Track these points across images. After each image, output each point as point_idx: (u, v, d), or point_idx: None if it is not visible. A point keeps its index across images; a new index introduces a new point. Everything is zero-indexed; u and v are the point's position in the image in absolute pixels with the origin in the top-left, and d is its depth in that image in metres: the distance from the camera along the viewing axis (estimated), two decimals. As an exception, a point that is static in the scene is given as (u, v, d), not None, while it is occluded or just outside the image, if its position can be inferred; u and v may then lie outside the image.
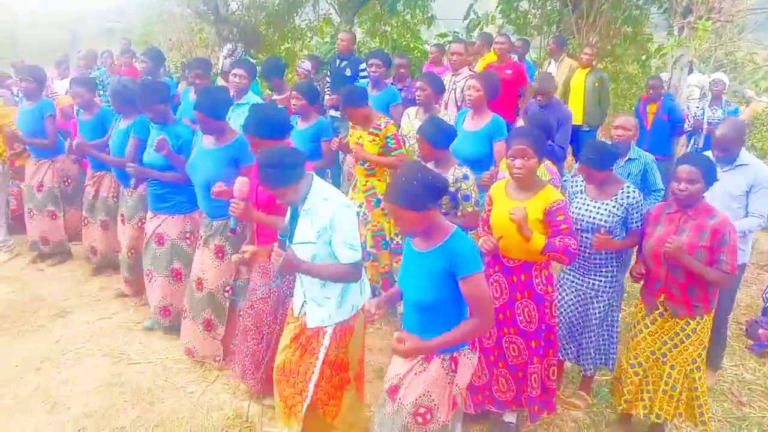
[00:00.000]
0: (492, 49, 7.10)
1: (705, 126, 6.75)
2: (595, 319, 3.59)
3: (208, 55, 11.26)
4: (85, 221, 5.45)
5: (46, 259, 5.91)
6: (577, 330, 3.68)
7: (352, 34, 7.41)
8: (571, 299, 3.64)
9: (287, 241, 2.93)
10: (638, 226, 3.43)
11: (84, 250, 5.68)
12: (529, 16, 10.34)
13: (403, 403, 2.62)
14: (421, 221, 2.44)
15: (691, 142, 6.98)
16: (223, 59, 6.32)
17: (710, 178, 3.11)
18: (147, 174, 4.31)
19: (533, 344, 3.25)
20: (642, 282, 3.46)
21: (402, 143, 4.52)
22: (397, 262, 4.56)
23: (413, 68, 8.08)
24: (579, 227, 3.47)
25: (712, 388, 4.06)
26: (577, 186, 3.65)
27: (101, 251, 5.44)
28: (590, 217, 3.45)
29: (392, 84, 6.12)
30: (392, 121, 4.55)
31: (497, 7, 10.22)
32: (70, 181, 5.75)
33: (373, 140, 4.42)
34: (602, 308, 3.57)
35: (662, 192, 4.33)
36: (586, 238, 3.47)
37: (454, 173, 3.57)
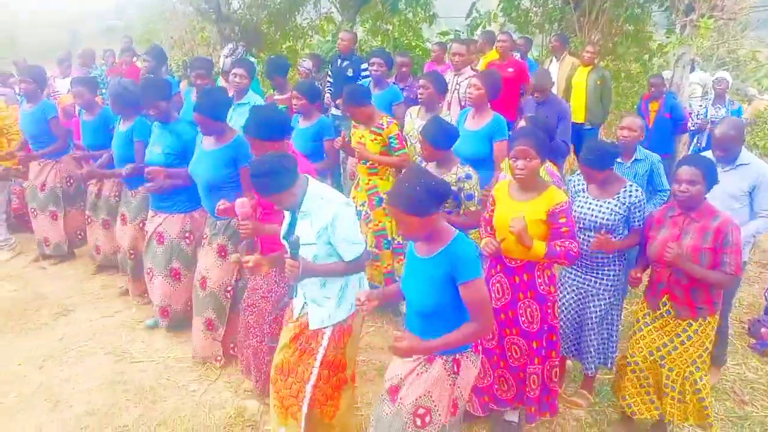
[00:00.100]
0: (494, 47, 7.10)
1: (708, 126, 6.73)
2: (596, 317, 3.58)
3: (209, 53, 11.26)
4: (89, 220, 5.46)
5: (49, 258, 5.92)
6: (578, 328, 3.67)
7: (353, 34, 7.39)
8: (573, 297, 3.64)
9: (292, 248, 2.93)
10: (639, 225, 3.42)
11: (89, 248, 5.69)
12: (530, 14, 10.32)
13: (403, 404, 2.61)
14: (424, 226, 2.43)
15: (694, 140, 6.97)
16: (224, 58, 6.32)
17: (711, 179, 3.10)
18: (169, 175, 4.24)
19: (534, 345, 3.24)
20: (644, 282, 3.45)
21: (405, 143, 4.51)
22: (398, 262, 4.56)
23: (415, 67, 8.07)
24: (581, 226, 3.47)
25: (715, 386, 4.06)
26: (579, 185, 3.64)
27: (104, 250, 5.45)
28: (592, 215, 3.44)
29: (394, 83, 6.12)
30: (395, 121, 4.54)
31: (499, 5, 10.21)
32: (72, 181, 5.76)
33: (375, 139, 4.42)
34: (603, 306, 3.57)
35: (668, 192, 4.32)
36: (588, 236, 3.47)
37: (456, 172, 3.56)
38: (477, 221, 3.55)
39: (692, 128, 6.91)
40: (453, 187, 3.55)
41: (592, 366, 3.69)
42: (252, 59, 8.09)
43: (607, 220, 3.41)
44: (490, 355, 3.34)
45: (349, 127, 5.04)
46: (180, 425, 3.66)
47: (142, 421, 3.68)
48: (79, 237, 5.90)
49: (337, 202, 2.86)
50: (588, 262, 3.54)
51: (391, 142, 4.41)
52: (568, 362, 4.09)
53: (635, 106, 8.01)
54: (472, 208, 3.59)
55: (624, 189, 3.43)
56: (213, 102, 3.75)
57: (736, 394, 4.10)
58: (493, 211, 3.31)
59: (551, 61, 7.81)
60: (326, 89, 6.88)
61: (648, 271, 3.45)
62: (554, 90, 7.17)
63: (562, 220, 3.05)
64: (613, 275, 3.54)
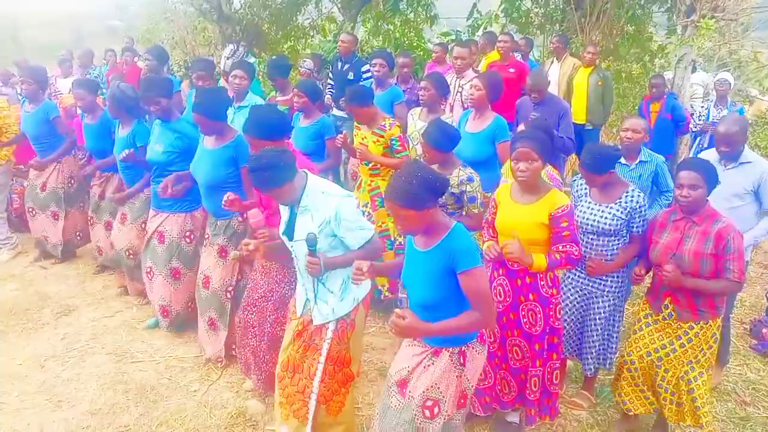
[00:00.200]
0: (495, 47, 7.10)
1: (710, 128, 6.72)
2: (599, 319, 3.58)
3: (210, 53, 11.27)
4: (91, 221, 5.47)
5: (50, 257, 5.92)
6: (580, 329, 3.67)
7: (353, 36, 7.39)
8: (575, 297, 3.64)
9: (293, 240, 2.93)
10: (639, 231, 3.42)
11: (91, 248, 5.71)
12: (531, 15, 10.33)
13: (412, 396, 2.63)
14: (421, 220, 2.43)
15: (696, 142, 6.96)
16: (225, 60, 6.34)
17: (712, 182, 3.10)
18: (181, 178, 4.23)
19: (537, 347, 3.24)
20: (645, 283, 3.45)
21: (407, 145, 4.51)
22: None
23: (416, 67, 8.08)
24: (584, 230, 3.48)
25: (717, 387, 4.05)
26: (581, 189, 3.64)
27: (106, 251, 5.45)
28: (594, 220, 3.44)
29: (396, 84, 6.12)
30: (397, 123, 4.54)
31: (500, 5, 10.21)
32: (73, 181, 5.76)
33: (377, 141, 4.42)
34: (607, 308, 3.57)
35: (671, 193, 4.31)
36: (591, 240, 3.47)
37: (458, 175, 3.56)
38: (479, 224, 3.56)
39: (694, 129, 6.90)
40: (455, 190, 3.55)
41: (591, 367, 3.69)
42: (253, 59, 8.10)
43: (609, 225, 3.40)
44: (491, 357, 3.34)
45: (351, 127, 5.05)
46: (181, 425, 3.66)
47: (143, 420, 3.69)
48: (79, 237, 5.90)
49: (338, 194, 2.88)
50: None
51: (393, 145, 4.41)
52: (569, 363, 4.09)
53: (636, 107, 8.02)
54: (475, 211, 3.59)
55: (626, 193, 3.42)
56: (211, 101, 3.76)
57: (737, 395, 4.09)
58: (495, 213, 3.31)
59: (552, 61, 7.81)
60: (327, 90, 6.89)
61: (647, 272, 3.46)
62: (555, 91, 7.19)
63: (564, 224, 3.04)
64: (617, 277, 3.54)
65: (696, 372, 3.26)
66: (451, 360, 2.60)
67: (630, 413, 3.54)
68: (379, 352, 4.39)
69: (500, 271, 3.26)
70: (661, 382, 3.32)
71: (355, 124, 4.72)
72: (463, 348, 2.61)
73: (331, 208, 2.81)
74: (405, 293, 2.89)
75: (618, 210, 3.40)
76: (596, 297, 3.57)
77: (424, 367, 2.64)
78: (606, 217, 3.42)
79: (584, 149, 3.47)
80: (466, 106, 5.68)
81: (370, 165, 4.55)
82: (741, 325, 4.94)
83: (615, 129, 9.55)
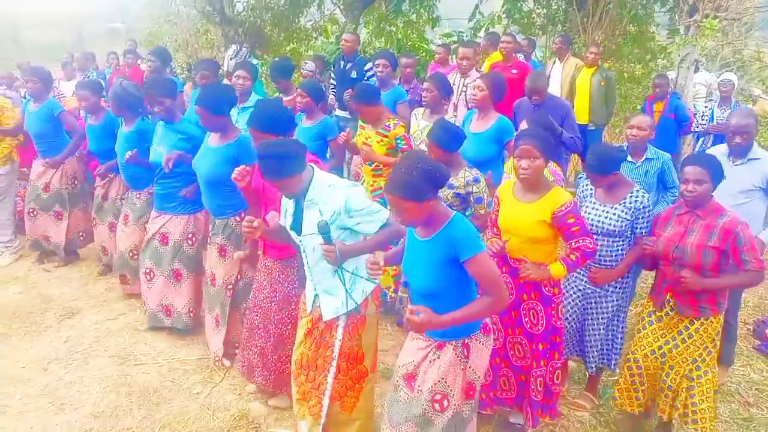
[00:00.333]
0: (498, 48, 7.10)
1: (713, 128, 6.68)
2: (603, 319, 3.58)
3: (213, 56, 11.28)
4: (95, 222, 5.48)
5: (52, 260, 5.93)
6: (583, 328, 3.67)
7: (356, 35, 7.41)
8: (578, 297, 3.62)
9: (325, 235, 2.92)
10: (643, 232, 3.41)
11: (96, 250, 5.72)
12: (533, 15, 10.33)
13: (421, 390, 2.64)
14: (422, 211, 2.44)
15: (699, 142, 6.93)
16: (228, 60, 6.34)
17: (717, 177, 3.10)
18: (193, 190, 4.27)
19: (540, 347, 3.24)
20: (648, 283, 3.44)
21: (412, 144, 4.51)
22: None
23: (419, 68, 8.08)
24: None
25: (720, 387, 4.03)
26: (587, 189, 3.63)
27: (111, 252, 5.46)
28: (599, 221, 3.43)
29: (398, 85, 6.13)
30: (401, 123, 4.54)
31: (502, 6, 10.21)
32: (77, 182, 5.78)
33: (381, 141, 4.42)
34: (610, 309, 3.56)
35: (677, 189, 4.30)
36: (596, 240, 3.46)
37: (464, 176, 3.56)
38: (485, 224, 3.56)
39: (697, 129, 6.87)
40: (461, 191, 3.55)
41: (593, 366, 3.69)
42: (255, 61, 8.11)
43: (614, 226, 3.40)
44: (492, 356, 3.34)
45: (354, 128, 5.05)
46: (184, 427, 3.66)
47: (146, 423, 3.69)
48: (81, 237, 5.91)
49: (345, 185, 2.88)
50: (596, 265, 3.52)
51: (399, 143, 4.42)
52: (572, 364, 4.08)
53: (639, 107, 8.00)
54: (482, 211, 3.58)
55: (631, 194, 3.42)
56: (213, 95, 3.77)
57: (741, 395, 4.08)
58: (498, 211, 3.31)
59: (555, 62, 7.80)
60: (330, 91, 6.90)
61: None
62: (558, 91, 7.19)
63: (571, 221, 3.04)
64: (622, 278, 3.53)
65: (701, 371, 3.25)
66: (455, 353, 2.60)
67: (616, 408, 3.54)
68: (382, 354, 4.37)
69: (504, 269, 3.26)
70: (665, 378, 3.32)
71: (360, 123, 4.72)
72: (467, 340, 2.62)
73: (339, 200, 2.80)
74: (406, 293, 2.88)
75: (623, 211, 3.40)
76: (599, 297, 3.56)
77: (430, 362, 2.64)
78: (611, 218, 3.41)
79: (589, 151, 3.47)
80: (470, 105, 5.68)
81: (373, 165, 4.55)
82: (744, 326, 4.92)
83: (618, 129, 9.55)
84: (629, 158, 4.13)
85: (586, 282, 3.58)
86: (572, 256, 3.08)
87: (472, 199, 3.58)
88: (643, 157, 4.19)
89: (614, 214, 3.41)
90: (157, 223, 4.44)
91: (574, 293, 3.64)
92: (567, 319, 3.64)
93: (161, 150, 4.28)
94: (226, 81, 6.55)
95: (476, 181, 3.57)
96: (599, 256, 3.46)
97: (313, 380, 3.08)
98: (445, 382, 2.61)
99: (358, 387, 3.09)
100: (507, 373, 3.38)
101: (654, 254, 3.30)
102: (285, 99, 5.80)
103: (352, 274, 2.97)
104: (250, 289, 4.02)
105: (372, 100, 4.41)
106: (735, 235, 3.02)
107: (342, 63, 6.82)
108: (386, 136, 4.41)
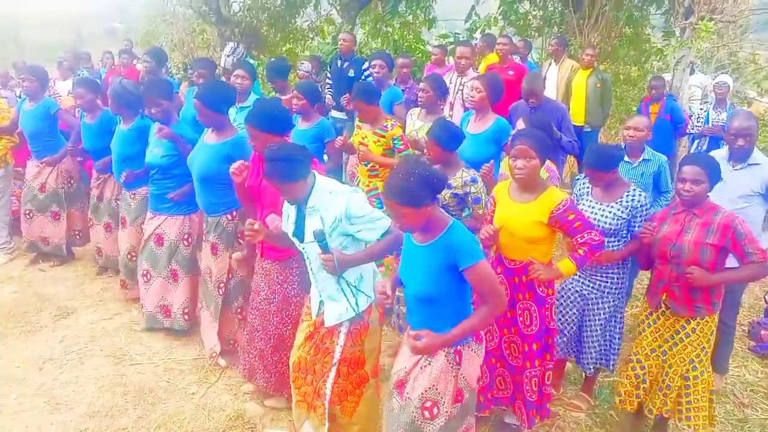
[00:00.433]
0: (494, 50, 7.11)
1: (708, 130, 6.71)
2: (600, 320, 3.58)
3: (209, 56, 11.27)
4: (91, 223, 5.47)
5: (47, 260, 5.91)
6: (580, 329, 3.68)
7: (353, 35, 7.42)
8: (576, 298, 3.64)
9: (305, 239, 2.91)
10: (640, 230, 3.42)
11: (91, 250, 5.70)
12: (529, 17, 10.34)
13: (410, 398, 2.63)
14: (420, 217, 2.44)
15: (695, 144, 6.96)
16: (225, 57, 6.32)
17: (714, 178, 3.12)
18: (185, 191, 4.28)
19: (535, 347, 3.25)
20: (644, 284, 3.46)
21: (409, 145, 4.51)
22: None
23: (415, 69, 8.09)
24: None
25: (718, 391, 4.05)
26: (584, 188, 3.65)
27: (106, 253, 5.45)
28: (596, 219, 3.44)
29: (395, 85, 6.14)
30: (399, 123, 4.55)
31: (498, 8, 10.22)
32: (73, 181, 5.77)
33: (378, 141, 4.42)
34: (607, 309, 3.57)
35: (670, 194, 4.32)
36: None
37: (462, 176, 3.57)
38: (484, 224, 3.56)
39: (692, 131, 6.90)
40: (458, 191, 3.56)
41: (591, 367, 3.70)
42: (251, 61, 8.10)
43: (610, 224, 3.41)
44: (488, 357, 3.34)
45: (350, 129, 5.06)
46: (180, 428, 3.65)
47: (141, 423, 3.68)
48: (78, 236, 5.90)
49: (345, 191, 2.88)
50: (591, 267, 3.54)
51: (396, 144, 4.42)
52: (568, 365, 4.09)
53: (635, 109, 8.02)
54: (480, 212, 3.59)
55: (627, 193, 3.43)
56: (213, 92, 3.79)
57: (735, 396, 4.10)
58: (494, 211, 3.32)
59: (550, 64, 7.82)
60: (326, 91, 6.90)
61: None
62: (554, 93, 7.19)
63: (571, 217, 3.05)
64: (617, 278, 3.54)
65: (698, 371, 3.27)
66: (447, 360, 2.60)
67: (619, 406, 3.55)
68: (380, 356, 4.38)
69: (498, 270, 3.27)
70: (664, 377, 3.33)
71: (356, 123, 4.72)
72: (459, 348, 2.61)
73: (340, 206, 2.79)
74: (401, 291, 2.87)
75: (619, 209, 3.41)
76: (596, 298, 3.57)
77: (421, 368, 2.64)
78: (607, 217, 3.43)
79: (588, 149, 3.49)
80: (468, 107, 5.69)
81: (369, 166, 4.55)
82: (739, 327, 4.92)
83: (613, 131, 9.57)
84: (626, 158, 4.14)
85: (583, 283, 3.60)
86: (580, 251, 3.08)
87: (469, 199, 3.59)
88: (640, 158, 4.20)
89: (611, 212, 3.42)
90: (153, 224, 4.43)
91: (572, 294, 3.65)
92: (566, 321, 3.66)
93: (157, 152, 4.28)
94: (223, 79, 6.54)
95: (474, 181, 3.57)
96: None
97: (312, 384, 3.07)
98: (436, 389, 2.60)
99: (359, 392, 3.07)
100: (503, 372, 3.39)
101: (650, 251, 3.31)
102: (282, 98, 5.81)
103: (355, 287, 2.95)
104: (243, 287, 4.06)
105: (373, 99, 4.41)
106: (733, 229, 3.04)
107: (339, 62, 6.83)
108: (383, 137, 4.42)
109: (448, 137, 3.53)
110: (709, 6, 7.31)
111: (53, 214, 5.71)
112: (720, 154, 3.86)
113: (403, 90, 6.07)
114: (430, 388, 2.60)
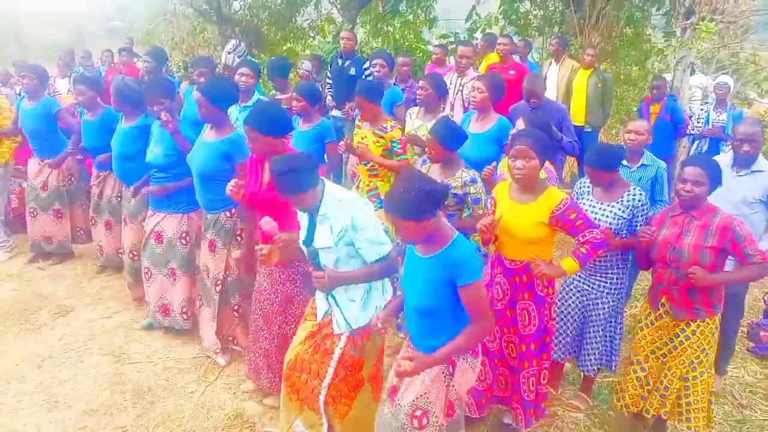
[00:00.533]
0: (495, 50, 7.11)
1: (708, 131, 6.70)
2: (599, 320, 3.58)
3: (210, 54, 11.27)
4: (92, 221, 5.48)
5: (47, 258, 5.91)
6: (581, 330, 3.68)
7: (355, 34, 7.41)
8: (576, 299, 3.64)
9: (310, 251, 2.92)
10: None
11: (93, 248, 5.70)
12: (530, 17, 10.34)
13: (400, 404, 2.62)
14: (422, 230, 2.43)
15: (695, 145, 6.95)
16: (226, 54, 6.29)
17: (715, 180, 3.11)
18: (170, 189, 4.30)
19: (533, 346, 3.25)
20: (644, 285, 3.45)
21: (406, 148, 4.51)
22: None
23: (415, 68, 8.09)
24: None
25: (717, 392, 4.04)
26: (584, 187, 3.65)
27: (106, 251, 5.46)
28: (596, 219, 3.44)
29: (395, 84, 6.13)
30: (398, 126, 4.54)
31: (499, 8, 10.22)
32: (73, 179, 5.77)
33: (378, 141, 4.42)
34: (607, 310, 3.57)
35: (665, 204, 4.26)
36: None
37: (462, 176, 3.56)
38: None
39: (692, 132, 6.89)
40: (458, 191, 3.55)
41: (594, 368, 3.69)
42: (252, 60, 8.08)
43: (611, 223, 3.41)
44: (491, 357, 3.35)
45: (351, 128, 5.05)
46: (178, 426, 3.66)
47: (140, 422, 3.68)
48: (80, 233, 5.91)
49: (354, 202, 2.87)
50: (591, 266, 3.54)
51: (394, 146, 4.41)
52: (567, 365, 4.09)
53: (636, 109, 8.02)
54: (480, 212, 3.59)
55: (628, 192, 3.44)
56: (216, 86, 3.81)
57: (734, 397, 4.10)
58: (494, 212, 3.32)
59: (551, 63, 7.82)
60: (327, 90, 6.89)
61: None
62: (554, 93, 7.20)
63: (573, 216, 3.05)
64: (617, 278, 3.54)
65: (697, 372, 3.27)
66: (441, 369, 2.59)
67: (622, 410, 3.54)
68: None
69: (498, 269, 3.27)
70: (663, 379, 3.33)
71: (356, 123, 4.72)
72: (454, 358, 2.61)
73: (347, 216, 2.79)
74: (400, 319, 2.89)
75: (620, 209, 3.41)
76: (596, 298, 3.57)
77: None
78: (608, 216, 3.43)
79: (591, 147, 3.49)
80: (466, 105, 5.69)
81: (369, 165, 4.55)
82: (738, 328, 4.93)
83: (614, 131, 9.57)
84: (624, 162, 4.13)
85: (583, 282, 3.59)
86: (582, 249, 3.08)
87: (469, 199, 3.58)
88: (639, 163, 4.19)
89: (611, 212, 3.42)
90: (153, 221, 4.44)
91: (573, 294, 3.65)
92: (567, 321, 3.66)
93: (158, 151, 4.29)
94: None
95: (473, 181, 3.57)
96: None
97: (306, 383, 3.06)
98: (427, 398, 2.59)
99: (353, 395, 3.07)
100: (504, 372, 3.39)
101: (650, 252, 3.31)
102: (282, 97, 5.80)
103: (366, 290, 2.95)
104: (240, 285, 4.07)
105: (375, 98, 4.40)
106: (732, 231, 3.03)
107: (340, 61, 6.82)
108: (382, 137, 4.41)
109: (450, 136, 3.52)
110: (710, 6, 7.31)
111: (56, 212, 5.71)
112: (724, 160, 3.84)
113: (403, 89, 6.07)
114: (421, 396, 2.59)
